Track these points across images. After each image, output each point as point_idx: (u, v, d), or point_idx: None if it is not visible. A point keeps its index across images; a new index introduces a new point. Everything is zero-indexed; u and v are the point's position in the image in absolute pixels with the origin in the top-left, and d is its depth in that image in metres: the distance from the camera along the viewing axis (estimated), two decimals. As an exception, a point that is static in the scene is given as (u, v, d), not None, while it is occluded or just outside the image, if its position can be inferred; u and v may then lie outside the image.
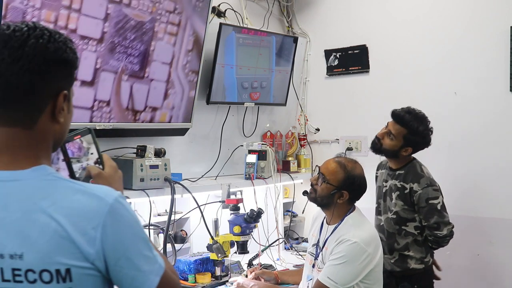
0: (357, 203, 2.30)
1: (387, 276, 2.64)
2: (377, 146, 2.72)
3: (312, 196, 2.29)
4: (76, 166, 1.22)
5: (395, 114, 2.67)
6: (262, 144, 3.20)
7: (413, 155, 2.72)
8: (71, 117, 1.11)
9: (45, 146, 1.07)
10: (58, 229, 0.97)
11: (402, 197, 2.63)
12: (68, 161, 1.20)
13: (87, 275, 0.99)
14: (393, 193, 2.67)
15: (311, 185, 2.31)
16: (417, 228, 2.64)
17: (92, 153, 1.25)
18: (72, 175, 1.20)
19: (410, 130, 2.62)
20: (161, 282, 1.04)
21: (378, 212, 2.78)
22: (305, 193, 2.36)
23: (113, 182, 1.20)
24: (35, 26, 1.03)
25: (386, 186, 2.73)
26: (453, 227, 2.62)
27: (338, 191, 2.21)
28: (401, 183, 2.65)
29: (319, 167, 2.33)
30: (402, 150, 2.65)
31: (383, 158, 2.86)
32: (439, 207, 2.58)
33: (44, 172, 1.03)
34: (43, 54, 1.01)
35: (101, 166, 1.24)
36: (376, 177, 2.89)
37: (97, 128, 2.39)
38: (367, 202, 2.42)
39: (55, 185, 1.02)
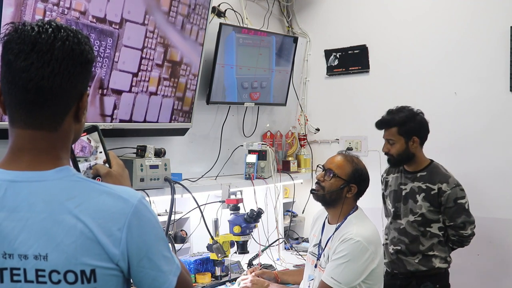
0: (359, 203, 2.30)
1: (405, 277, 2.69)
2: (392, 160, 2.72)
3: (320, 193, 2.25)
4: (83, 165, 1.20)
5: (377, 124, 2.74)
6: (262, 144, 3.20)
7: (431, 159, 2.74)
8: (86, 114, 1.11)
9: (66, 146, 1.07)
10: (84, 231, 0.97)
11: (429, 198, 2.63)
12: (73, 159, 1.18)
13: (111, 275, 1.00)
14: (417, 195, 2.66)
15: (318, 182, 2.28)
16: (441, 229, 2.65)
17: (100, 152, 1.22)
18: None
19: (397, 124, 2.66)
20: (178, 282, 1.06)
21: (397, 216, 2.75)
22: (312, 191, 2.31)
23: (123, 181, 1.19)
24: (57, 26, 1.01)
25: (406, 189, 2.71)
26: (475, 226, 2.65)
27: (347, 184, 2.21)
28: (427, 184, 2.64)
29: (322, 165, 2.32)
30: (410, 145, 2.66)
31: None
32: (466, 206, 2.62)
33: (69, 173, 1.03)
34: (71, 57, 1.01)
35: (107, 165, 1.21)
36: (387, 182, 2.86)
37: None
38: (368, 203, 2.42)
39: (80, 186, 1.02)
